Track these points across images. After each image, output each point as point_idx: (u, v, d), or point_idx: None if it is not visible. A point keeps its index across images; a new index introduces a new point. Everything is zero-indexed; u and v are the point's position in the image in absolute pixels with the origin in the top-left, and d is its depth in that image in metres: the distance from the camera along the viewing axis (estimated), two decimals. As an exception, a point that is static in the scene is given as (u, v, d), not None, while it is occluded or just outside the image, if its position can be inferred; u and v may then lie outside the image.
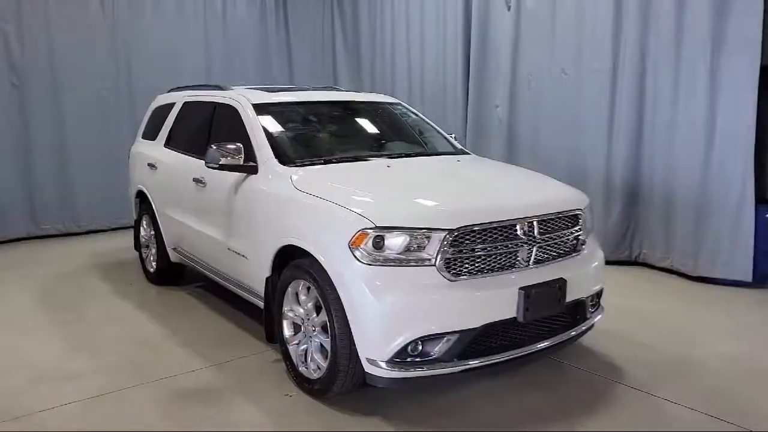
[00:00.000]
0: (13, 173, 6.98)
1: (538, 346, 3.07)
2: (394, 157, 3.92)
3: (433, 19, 7.27)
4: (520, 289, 2.91)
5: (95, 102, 7.39)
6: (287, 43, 8.92)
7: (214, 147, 3.65)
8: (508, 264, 2.99)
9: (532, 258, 3.05)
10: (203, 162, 4.07)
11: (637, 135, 5.45)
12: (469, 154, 4.33)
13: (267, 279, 3.47)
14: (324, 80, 9.03)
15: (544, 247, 3.11)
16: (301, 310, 3.26)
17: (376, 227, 2.82)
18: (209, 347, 3.98)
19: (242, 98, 4.11)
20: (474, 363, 2.87)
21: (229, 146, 3.64)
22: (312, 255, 3.06)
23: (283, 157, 3.66)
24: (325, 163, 3.69)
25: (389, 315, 2.77)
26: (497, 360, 2.94)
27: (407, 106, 4.81)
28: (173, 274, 5.20)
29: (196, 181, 4.24)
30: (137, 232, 5.60)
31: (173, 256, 4.96)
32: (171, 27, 7.86)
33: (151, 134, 5.48)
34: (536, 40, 6.07)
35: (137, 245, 5.69)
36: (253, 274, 3.65)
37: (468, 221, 2.87)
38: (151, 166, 5.00)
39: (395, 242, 2.82)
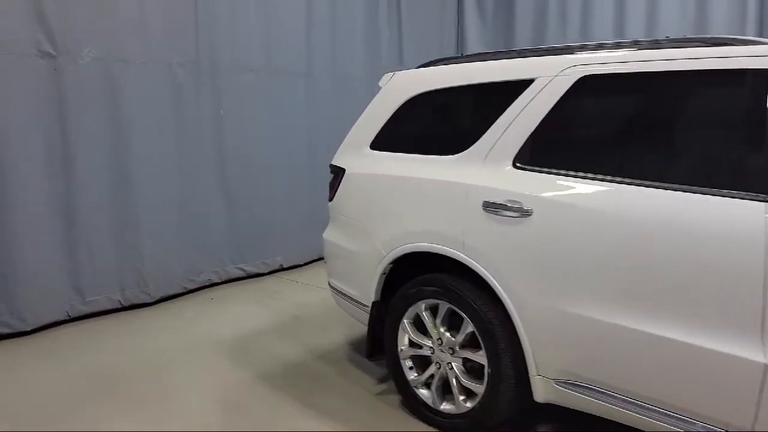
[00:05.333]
0: (41, 210, 3.95)
1: None
2: None
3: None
4: None
5: (166, 83, 4.48)
6: (398, 9, 6.29)
7: None
8: None
9: None
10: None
11: None
12: None
13: None
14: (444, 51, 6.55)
15: None
16: None
17: None
18: None
19: None
20: None
21: None
22: None
23: None
24: None
25: None
26: None
27: None
28: (505, 419, 2.59)
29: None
30: (378, 330, 2.93)
31: (545, 393, 2.38)
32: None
33: (410, 142, 2.85)
34: None
35: (374, 351, 3.01)
36: None
37: None
38: (505, 209, 2.36)
39: None
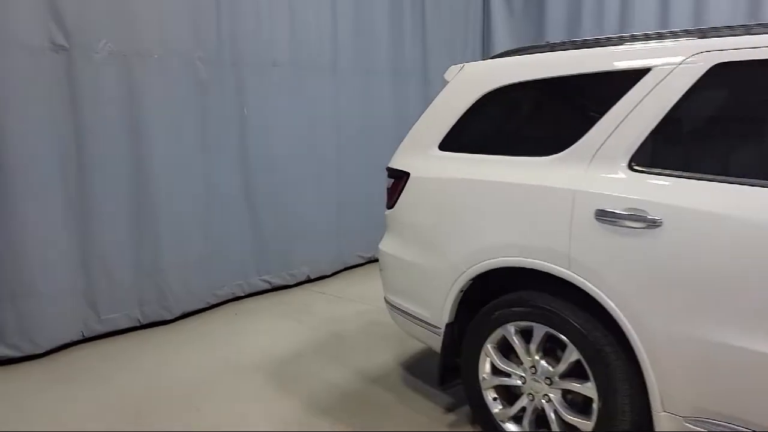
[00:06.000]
0: (53, 219, 3.57)
1: None
2: None
3: None
4: None
5: (187, 79, 4.10)
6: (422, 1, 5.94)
7: None
8: None
9: None
10: None
11: None
12: None
13: None
14: (466, 51, 6.22)
15: None
16: None
17: None
18: None
19: None
20: None
21: None
22: None
23: None
24: None
25: None
26: None
27: None
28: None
29: None
30: (450, 355, 2.59)
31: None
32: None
33: (490, 142, 2.51)
34: None
35: (446, 379, 2.66)
36: None
37: None
38: (626, 218, 2.01)
39: None
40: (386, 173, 2.97)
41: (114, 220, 3.80)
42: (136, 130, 3.84)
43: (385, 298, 3.04)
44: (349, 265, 5.38)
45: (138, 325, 3.99)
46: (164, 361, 3.48)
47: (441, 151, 2.69)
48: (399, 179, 2.82)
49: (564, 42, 2.51)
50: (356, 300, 4.56)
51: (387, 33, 5.49)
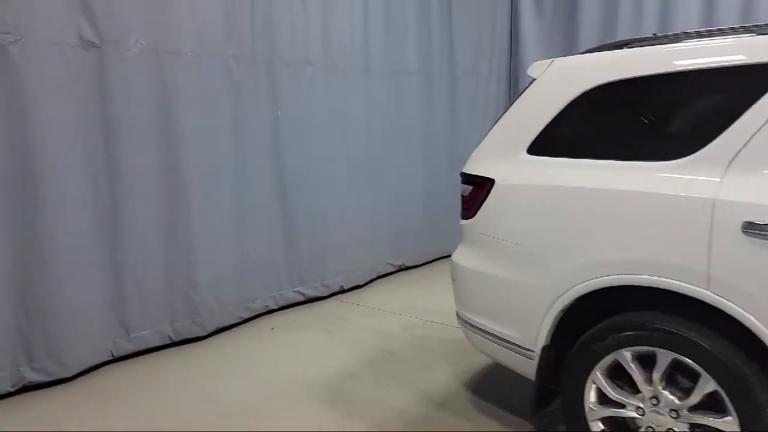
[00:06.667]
0: (82, 229, 3.28)
1: None
2: None
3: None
4: None
5: (221, 78, 3.82)
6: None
7: None
8: None
9: None
10: None
11: None
12: None
13: None
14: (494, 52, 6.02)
15: None
16: None
17: None
18: None
19: None
20: None
21: None
22: None
23: None
24: None
25: None
26: None
27: None
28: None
29: None
30: (545, 381, 2.35)
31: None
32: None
33: (594, 145, 2.28)
34: None
35: (541, 405, 2.41)
36: None
37: None
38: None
39: None
40: (461, 179, 2.72)
41: (145, 231, 3.51)
42: (168, 132, 3.56)
43: (457, 314, 2.78)
44: (381, 274, 5.12)
45: (169, 342, 3.69)
46: (202, 383, 3.20)
47: (531, 156, 2.44)
48: (480, 187, 2.56)
49: (677, 34, 2.27)
50: (397, 312, 4.30)
51: (415, 34, 5.24)
